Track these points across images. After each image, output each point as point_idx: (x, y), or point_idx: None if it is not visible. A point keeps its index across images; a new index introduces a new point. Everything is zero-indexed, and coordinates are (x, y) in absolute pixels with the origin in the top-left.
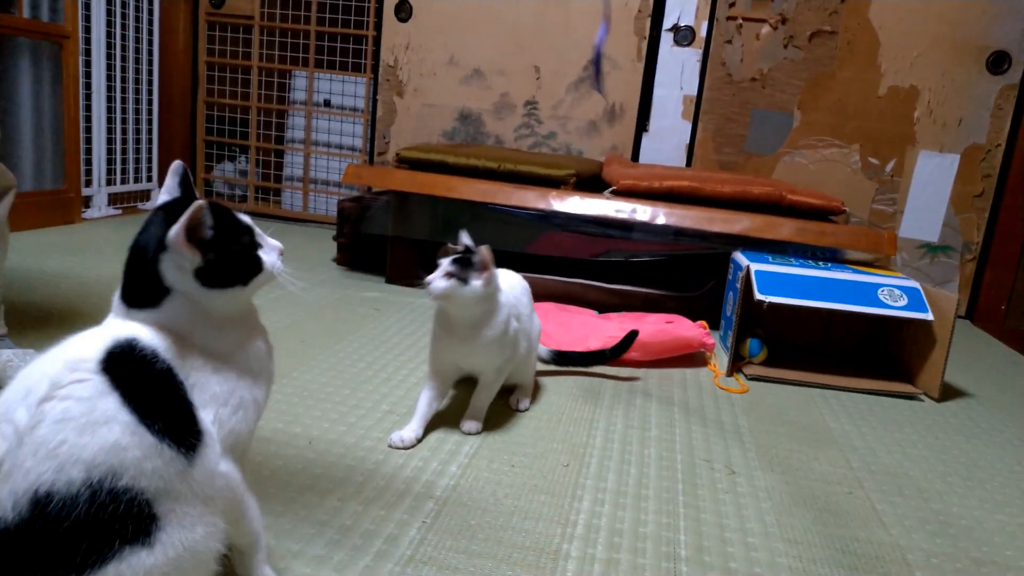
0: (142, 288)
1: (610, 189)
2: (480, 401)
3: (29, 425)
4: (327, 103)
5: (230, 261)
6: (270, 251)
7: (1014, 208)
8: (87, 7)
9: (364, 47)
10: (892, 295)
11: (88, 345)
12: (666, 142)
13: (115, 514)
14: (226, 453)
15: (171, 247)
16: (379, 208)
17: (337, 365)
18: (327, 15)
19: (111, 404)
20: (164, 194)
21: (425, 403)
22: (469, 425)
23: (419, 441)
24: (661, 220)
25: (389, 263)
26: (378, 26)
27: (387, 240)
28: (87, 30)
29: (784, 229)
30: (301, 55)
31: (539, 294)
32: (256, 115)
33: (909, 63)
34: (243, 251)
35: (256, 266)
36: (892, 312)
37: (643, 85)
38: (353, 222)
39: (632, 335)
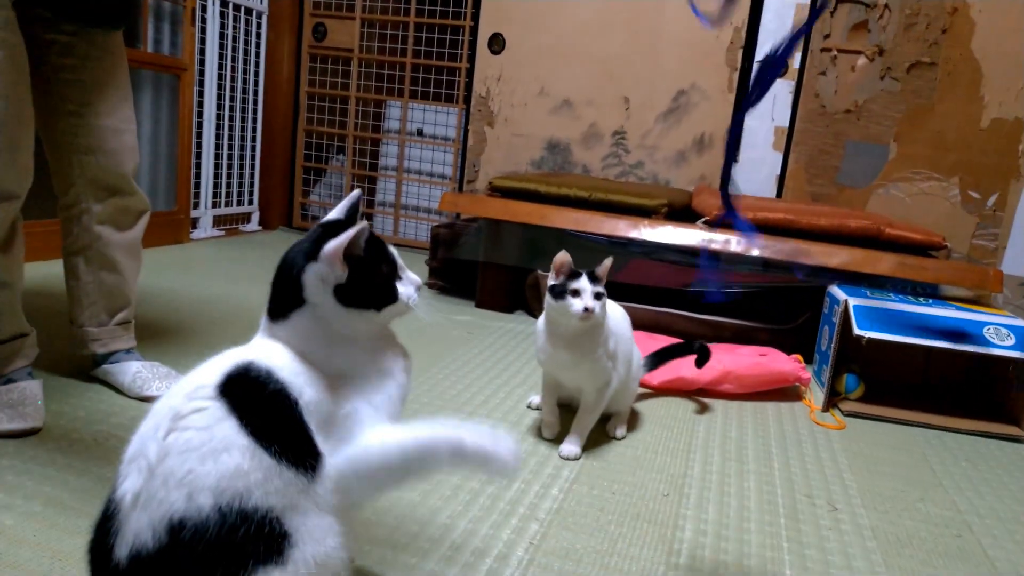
0: (281, 300)
1: (703, 219)
2: (581, 425)
3: (158, 458)
4: (420, 132)
5: (370, 285)
6: (408, 284)
7: None
8: (202, 41)
9: (457, 78)
10: (999, 334)
11: (208, 372)
12: (756, 173)
13: (247, 535)
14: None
15: (324, 259)
16: (471, 235)
17: (436, 387)
18: (423, 48)
19: (229, 429)
20: (333, 213)
21: (551, 407)
22: (569, 449)
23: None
24: (756, 251)
25: (480, 288)
26: (471, 58)
27: (478, 266)
28: (202, 63)
29: (883, 264)
30: (397, 86)
31: (633, 324)
32: (352, 143)
33: (1014, 95)
34: (384, 279)
35: (391, 295)
36: (999, 351)
37: (733, 115)
38: (445, 247)
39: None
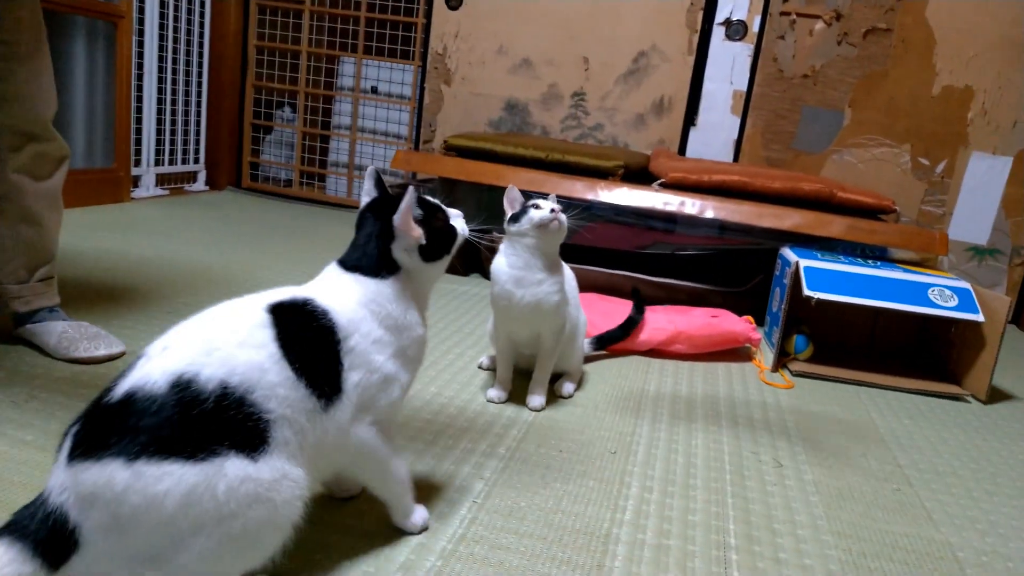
0: (371, 263)
1: (659, 182)
2: (543, 373)
3: (198, 329)
4: (374, 90)
5: (439, 235)
6: (457, 218)
7: None
8: None
9: (413, 34)
10: (943, 295)
11: (275, 293)
12: (714, 137)
13: (234, 419)
14: (362, 417)
15: (399, 233)
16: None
17: None
18: (377, 2)
19: (266, 336)
20: (364, 196)
21: (507, 365)
22: (536, 400)
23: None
24: (710, 214)
25: None
26: (428, 14)
27: None
28: (141, 11)
29: (834, 226)
30: (350, 41)
31: (584, 285)
32: (304, 100)
33: (965, 63)
34: (444, 224)
35: (454, 234)
36: (942, 312)
37: (693, 79)
38: None
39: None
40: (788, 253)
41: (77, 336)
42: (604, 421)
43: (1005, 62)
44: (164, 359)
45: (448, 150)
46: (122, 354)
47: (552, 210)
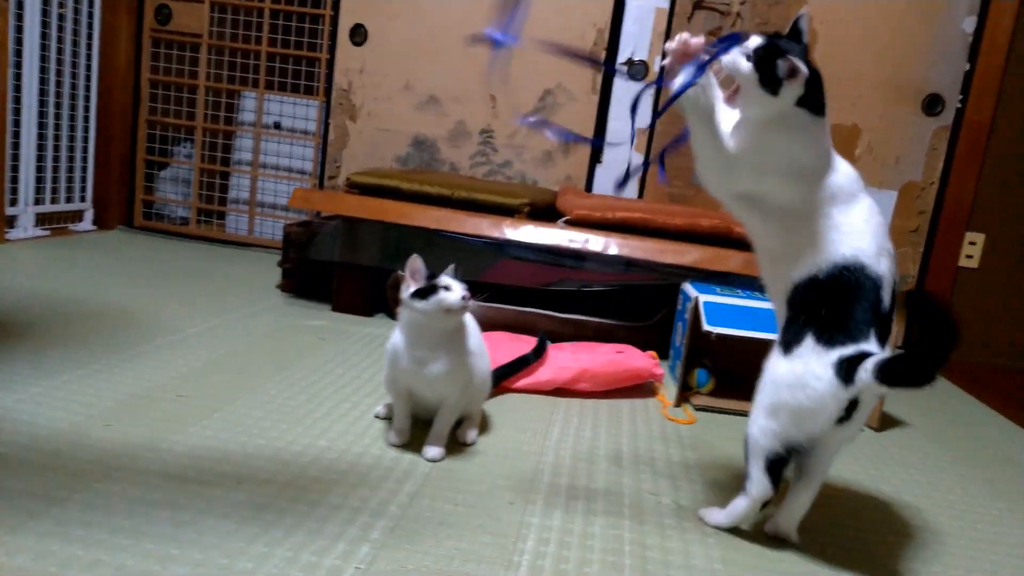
0: None
1: (563, 219)
2: (442, 425)
3: None
4: (277, 125)
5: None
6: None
7: (947, 243)
8: (19, 14)
9: (317, 70)
10: None
11: None
12: (618, 174)
13: None
14: None
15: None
16: (327, 234)
17: (276, 398)
18: (279, 36)
19: None
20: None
21: (405, 414)
22: (434, 451)
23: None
24: (614, 250)
25: (336, 291)
26: (332, 49)
27: (334, 267)
28: (19, 41)
29: (732, 261)
30: (251, 76)
31: (492, 323)
32: (202, 135)
33: (851, 103)
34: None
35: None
36: None
37: (597, 117)
38: (299, 247)
39: (543, 341)
40: (689, 288)
41: None
42: (505, 468)
43: (887, 103)
44: None
45: (351, 187)
46: None
47: (464, 297)
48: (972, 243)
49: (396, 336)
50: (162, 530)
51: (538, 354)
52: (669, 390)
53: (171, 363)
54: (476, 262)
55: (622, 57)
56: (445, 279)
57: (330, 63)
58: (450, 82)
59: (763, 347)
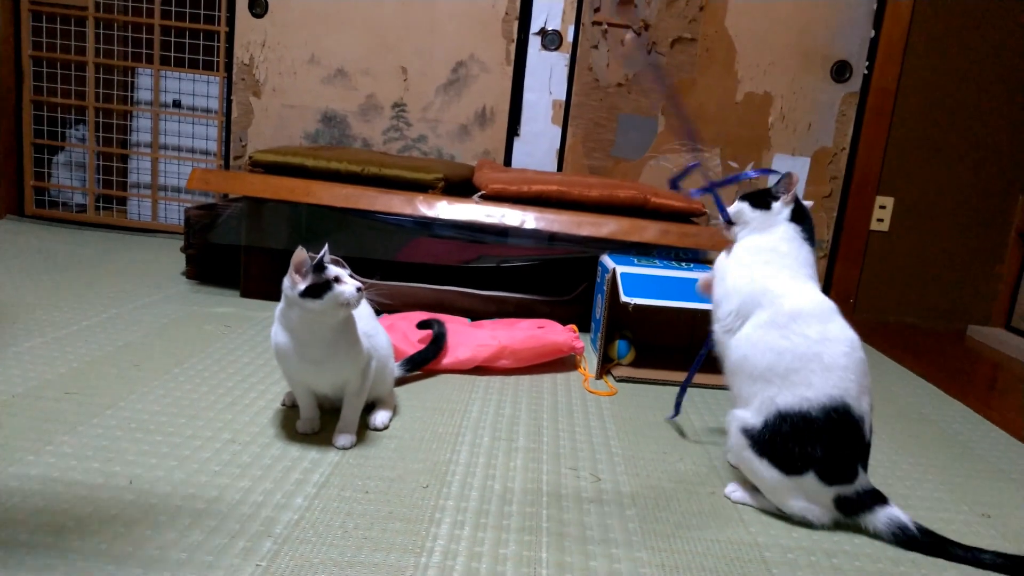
0: None
1: (479, 194)
2: (350, 412)
3: None
4: (176, 104)
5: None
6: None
7: (858, 207)
8: None
9: (216, 44)
10: None
11: None
12: (537, 147)
13: None
14: None
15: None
16: (231, 216)
17: (174, 391)
18: (173, 8)
19: None
20: None
21: (310, 404)
22: (344, 439)
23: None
24: (531, 224)
25: (243, 275)
26: (231, 21)
27: (241, 251)
28: None
29: (648, 232)
30: (145, 51)
31: (410, 303)
32: (94, 115)
33: (763, 71)
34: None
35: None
36: None
37: (513, 89)
38: (203, 231)
39: (440, 328)
40: (607, 260)
41: None
42: (420, 452)
43: (798, 69)
44: None
45: (254, 166)
46: None
47: (358, 288)
48: (882, 207)
49: (279, 333)
50: (43, 539)
51: (438, 347)
52: (590, 363)
53: (60, 358)
54: (390, 241)
55: (534, 27)
56: (333, 270)
57: (229, 36)
58: (359, 54)
59: (684, 315)
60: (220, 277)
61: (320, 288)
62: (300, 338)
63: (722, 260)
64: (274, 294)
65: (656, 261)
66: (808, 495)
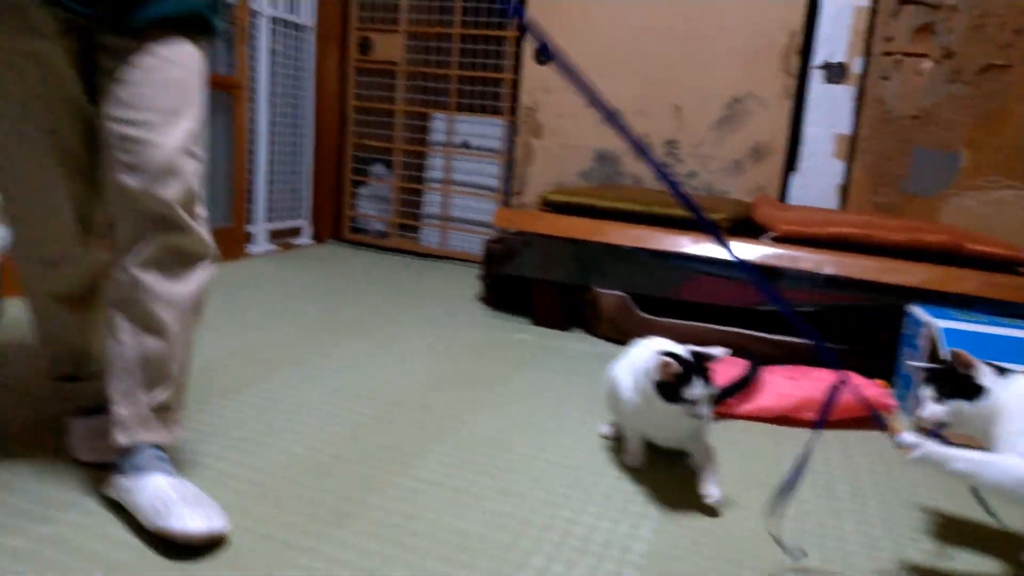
0: None
1: (770, 235)
2: (712, 462)
3: None
4: (466, 145)
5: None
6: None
7: None
8: (252, 58)
9: (503, 90)
10: None
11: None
12: (816, 182)
13: None
14: None
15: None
16: (524, 250)
17: (505, 410)
18: (468, 59)
19: None
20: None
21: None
22: (716, 490)
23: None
24: (829, 269)
25: (534, 305)
26: (517, 69)
27: (532, 282)
28: (252, 79)
29: (969, 282)
30: (442, 98)
31: (695, 342)
32: (399, 156)
33: None
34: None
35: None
36: None
37: (792, 123)
38: (499, 263)
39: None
40: (919, 312)
41: (175, 497)
42: (742, 498)
43: None
44: None
45: (546, 205)
46: (223, 537)
47: (705, 414)
48: None
49: (627, 388)
50: (449, 553)
51: (750, 380)
52: (901, 422)
53: (409, 374)
54: (673, 279)
55: (817, 60)
56: (696, 390)
57: (516, 83)
58: (634, 95)
59: None
60: (511, 304)
61: (672, 395)
62: (648, 407)
63: None
64: (561, 323)
65: (976, 315)
66: None
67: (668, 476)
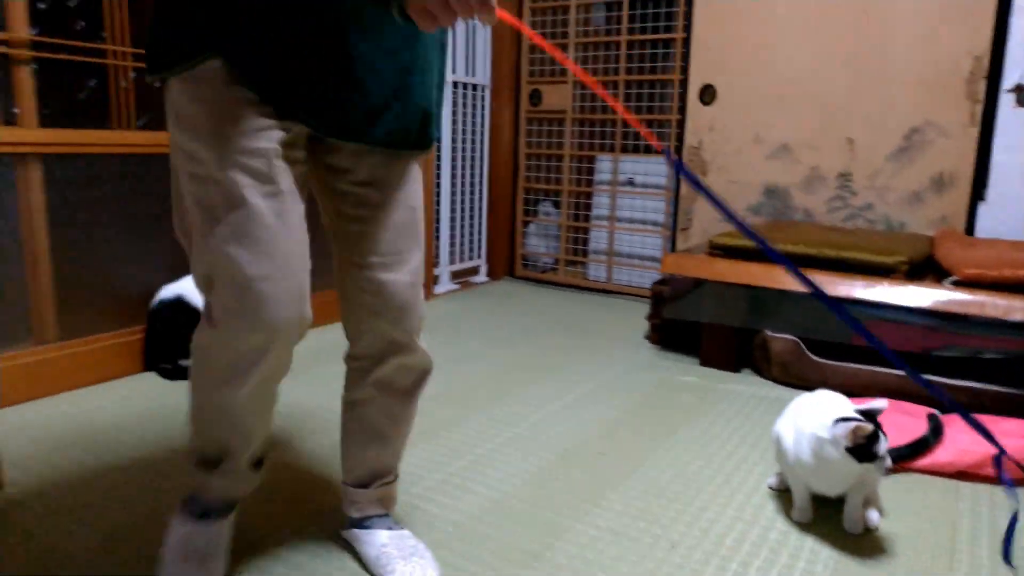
0: None
1: (951, 279)
2: (877, 500)
3: None
4: (631, 182)
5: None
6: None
7: None
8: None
9: (668, 130)
10: None
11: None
12: (1009, 212)
13: None
14: None
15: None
16: (693, 294)
17: (675, 463)
18: (632, 104)
19: None
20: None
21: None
22: (877, 516)
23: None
24: (1019, 317)
25: (703, 347)
26: (682, 110)
27: (701, 325)
28: (438, 138)
29: None
30: (607, 141)
31: (871, 388)
32: (567, 196)
33: None
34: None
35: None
36: None
37: (978, 151)
38: (666, 305)
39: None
40: None
41: (395, 553)
42: (916, 563)
43: None
44: None
45: (714, 249)
46: None
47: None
48: None
49: (803, 448)
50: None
51: (936, 436)
52: None
53: (584, 421)
54: (845, 323)
55: (1007, 83)
56: (882, 448)
57: (680, 123)
58: (802, 130)
59: None
60: (678, 344)
61: (864, 455)
62: (823, 466)
63: None
64: (730, 364)
65: None
66: None
67: (835, 529)
